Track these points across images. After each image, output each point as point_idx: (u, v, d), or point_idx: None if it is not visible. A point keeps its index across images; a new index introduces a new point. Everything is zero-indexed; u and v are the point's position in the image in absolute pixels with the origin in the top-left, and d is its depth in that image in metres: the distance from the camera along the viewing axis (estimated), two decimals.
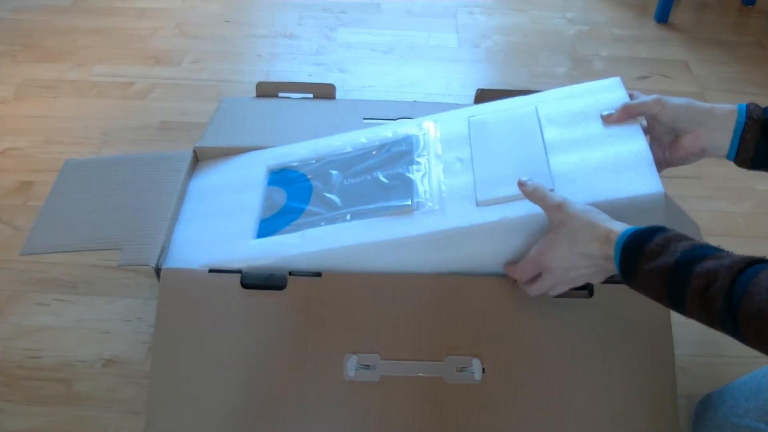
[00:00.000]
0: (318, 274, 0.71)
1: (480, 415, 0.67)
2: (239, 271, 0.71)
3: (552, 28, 1.66)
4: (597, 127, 0.72)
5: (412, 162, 0.77)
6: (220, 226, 0.78)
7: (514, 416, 0.67)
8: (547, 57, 1.56)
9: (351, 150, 0.82)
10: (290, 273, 0.71)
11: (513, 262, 0.69)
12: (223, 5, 1.70)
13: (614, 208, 0.64)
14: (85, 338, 0.97)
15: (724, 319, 0.49)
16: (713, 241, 0.56)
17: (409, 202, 0.71)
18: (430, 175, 0.74)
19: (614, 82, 0.76)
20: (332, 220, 0.73)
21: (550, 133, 0.74)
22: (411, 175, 0.75)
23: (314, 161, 0.82)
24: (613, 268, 0.59)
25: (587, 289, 0.71)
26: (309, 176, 0.81)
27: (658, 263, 0.53)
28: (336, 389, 0.68)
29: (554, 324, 0.69)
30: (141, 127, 1.32)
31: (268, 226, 0.76)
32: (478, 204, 0.69)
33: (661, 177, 0.66)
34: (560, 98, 0.78)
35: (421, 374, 0.68)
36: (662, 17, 1.67)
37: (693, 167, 0.74)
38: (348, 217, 0.73)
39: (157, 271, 0.72)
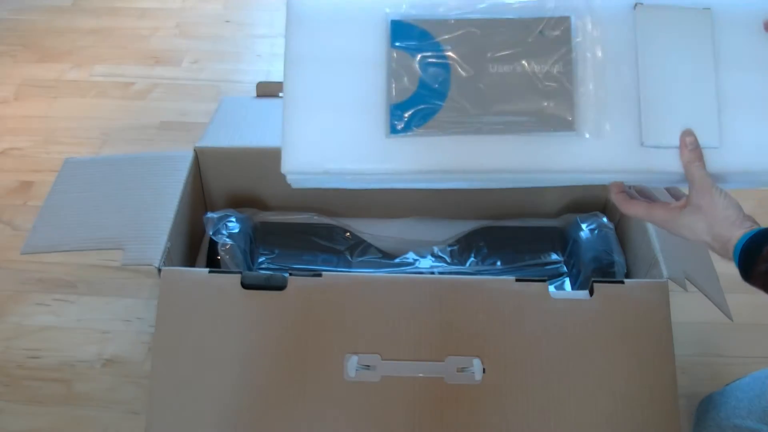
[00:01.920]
0: (318, 275, 0.71)
1: (480, 415, 0.67)
2: (240, 272, 0.71)
3: None
4: None
5: (569, 61, 0.67)
6: (340, 116, 0.64)
7: (514, 416, 0.67)
8: None
9: (498, 11, 0.68)
10: (290, 273, 0.71)
11: (623, 189, 0.66)
12: (223, 5, 1.70)
13: None
14: (85, 338, 0.97)
15: None
16: None
17: (570, 118, 0.65)
18: (594, 85, 0.66)
19: None
20: (480, 129, 0.65)
21: (723, 67, 0.65)
22: (569, 81, 0.66)
23: (452, 20, 0.68)
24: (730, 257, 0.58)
25: (588, 288, 0.71)
26: (445, 49, 0.67)
27: None
28: (336, 390, 0.68)
29: (554, 324, 0.69)
30: (141, 127, 1.32)
31: (400, 115, 0.65)
32: (642, 144, 0.64)
33: None
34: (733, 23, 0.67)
35: (421, 374, 0.68)
36: None
37: None
38: (501, 127, 0.65)
39: (161, 271, 0.72)
